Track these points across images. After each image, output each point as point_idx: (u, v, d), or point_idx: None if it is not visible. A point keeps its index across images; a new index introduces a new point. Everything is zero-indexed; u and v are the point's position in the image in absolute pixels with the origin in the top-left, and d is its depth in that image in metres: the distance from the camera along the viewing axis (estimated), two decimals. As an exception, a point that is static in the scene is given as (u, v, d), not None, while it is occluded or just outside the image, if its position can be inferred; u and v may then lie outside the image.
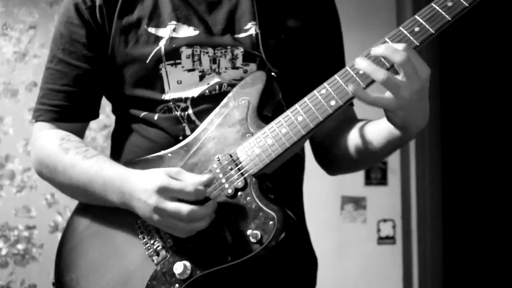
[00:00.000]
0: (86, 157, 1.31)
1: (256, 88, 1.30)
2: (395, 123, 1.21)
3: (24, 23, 3.64)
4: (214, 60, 1.35)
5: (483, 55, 4.58)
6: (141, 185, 1.22)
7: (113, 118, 1.51)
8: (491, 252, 4.61)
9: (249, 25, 1.38)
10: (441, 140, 3.86)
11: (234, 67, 1.35)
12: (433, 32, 1.17)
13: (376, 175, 3.55)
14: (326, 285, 3.50)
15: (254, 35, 1.36)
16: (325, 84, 1.22)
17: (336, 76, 1.21)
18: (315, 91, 1.22)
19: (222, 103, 1.32)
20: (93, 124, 3.45)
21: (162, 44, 1.34)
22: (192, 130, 1.32)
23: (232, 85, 1.34)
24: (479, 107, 4.68)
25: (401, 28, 1.19)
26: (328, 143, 1.42)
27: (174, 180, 1.20)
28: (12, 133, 3.56)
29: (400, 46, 1.14)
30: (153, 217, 1.21)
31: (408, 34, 1.18)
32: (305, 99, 1.23)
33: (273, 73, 1.33)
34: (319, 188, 3.54)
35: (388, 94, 1.16)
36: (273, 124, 1.24)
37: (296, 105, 1.23)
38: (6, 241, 3.49)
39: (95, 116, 1.46)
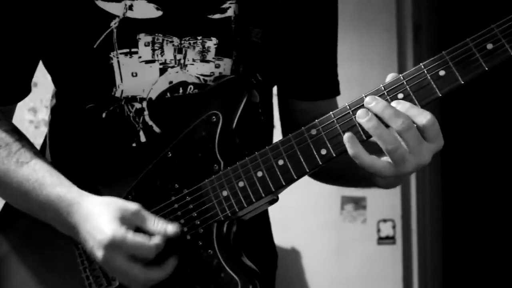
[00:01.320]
0: (20, 162, 1.06)
1: (230, 104, 1.05)
2: (378, 184, 1.02)
3: (24, 23, 3.62)
4: (179, 50, 1.09)
5: (483, 55, 4.57)
6: (89, 228, 0.99)
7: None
8: (491, 252, 4.61)
9: (227, 3, 1.11)
10: (441, 140, 3.85)
11: (203, 60, 1.10)
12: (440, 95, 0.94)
13: (376, 175, 3.55)
14: (326, 285, 3.51)
15: (232, 17, 1.10)
16: (316, 121, 1.00)
17: (331, 114, 0.99)
18: (303, 129, 1.00)
19: (186, 111, 1.08)
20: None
21: (114, 26, 1.07)
22: (148, 137, 1.09)
23: (199, 86, 1.10)
24: (479, 107, 4.68)
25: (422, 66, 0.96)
26: None
27: (130, 233, 0.97)
28: (12, 133, 3.54)
29: (414, 111, 0.93)
30: (102, 266, 1.02)
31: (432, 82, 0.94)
32: (291, 138, 1.00)
33: (253, 80, 1.10)
34: (319, 188, 3.53)
35: (386, 159, 0.97)
36: (247, 161, 1.02)
37: (279, 144, 1.01)
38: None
39: (27, 93, 1.17)
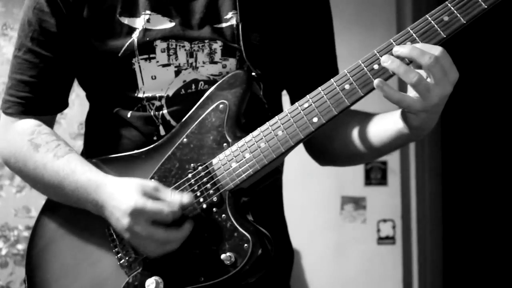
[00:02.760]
0: (57, 156, 1.26)
1: (235, 92, 1.23)
2: (412, 125, 1.15)
3: (24, 23, 3.64)
4: (191, 54, 1.28)
5: (484, 55, 4.58)
6: (115, 202, 1.17)
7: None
8: (491, 252, 4.61)
9: (230, 14, 1.29)
10: (441, 140, 3.86)
11: (212, 62, 1.28)
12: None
13: (376, 175, 3.55)
14: (326, 285, 3.51)
15: (234, 25, 1.28)
16: (308, 97, 1.16)
17: (320, 89, 1.15)
18: (297, 104, 1.16)
19: (198, 104, 1.25)
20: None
21: (135, 37, 1.26)
22: (167, 131, 1.27)
23: (209, 82, 1.27)
24: (479, 107, 4.68)
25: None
26: (324, 136, 1.36)
27: (150, 201, 1.15)
28: (12, 133, 3.56)
29: (427, 47, 1.08)
30: (125, 235, 1.18)
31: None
32: (287, 112, 1.17)
33: (253, 73, 1.26)
34: (319, 188, 3.54)
35: (414, 94, 1.10)
36: (251, 136, 1.19)
37: (277, 118, 1.18)
38: (6, 241, 3.49)
39: (64, 107, 1.39)
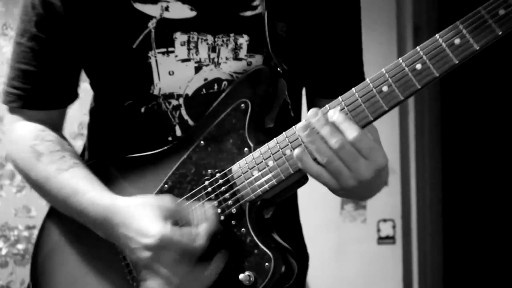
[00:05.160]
0: (61, 169, 1.13)
1: (258, 90, 1.10)
2: (338, 195, 1.06)
3: (24, 23, 3.63)
4: (213, 49, 1.14)
5: (484, 55, 4.57)
6: (133, 234, 1.02)
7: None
8: (491, 252, 4.61)
9: (257, 1, 1.15)
10: (441, 140, 3.86)
11: (236, 58, 1.15)
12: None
13: (376, 175, 3.54)
14: (326, 285, 3.51)
15: (263, 14, 1.14)
16: (340, 99, 1.02)
17: (354, 90, 1.01)
18: (328, 107, 1.02)
19: (218, 102, 1.13)
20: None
21: (151, 26, 1.12)
22: (183, 131, 1.15)
23: (232, 82, 1.15)
24: (479, 107, 4.68)
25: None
26: None
27: (177, 230, 1.00)
28: (12, 133, 3.55)
29: (345, 125, 0.96)
30: (140, 267, 1.05)
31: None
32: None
33: (279, 69, 1.12)
34: (319, 188, 3.54)
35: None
36: (275, 142, 1.05)
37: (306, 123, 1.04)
38: (6, 241, 3.49)
39: (74, 98, 1.25)
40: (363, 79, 1.21)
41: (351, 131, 0.96)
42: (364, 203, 3.53)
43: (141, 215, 1.02)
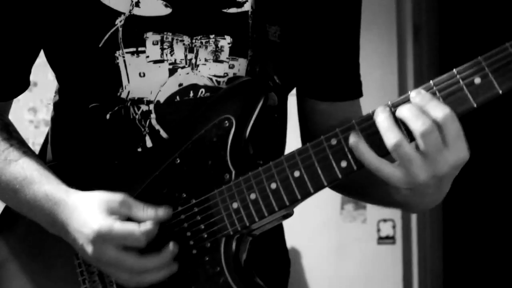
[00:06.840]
0: (8, 160, 1.01)
1: (246, 108, 0.96)
2: (397, 201, 0.93)
3: (24, 23, 3.62)
4: (190, 50, 1.01)
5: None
6: (76, 225, 0.94)
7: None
8: (492, 252, 4.61)
9: None
10: (441, 140, 3.85)
11: (216, 60, 1.02)
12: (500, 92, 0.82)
13: (376, 175, 3.55)
14: (326, 285, 3.51)
15: (250, 13, 1.01)
16: (337, 130, 0.89)
17: (354, 121, 0.88)
18: (322, 138, 0.90)
19: (197, 114, 0.99)
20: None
21: (119, 24, 0.99)
22: (154, 142, 1.02)
23: (212, 90, 1.01)
24: (479, 107, 4.67)
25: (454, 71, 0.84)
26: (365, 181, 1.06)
27: (117, 222, 0.91)
28: (12, 133, 3.54)
29: (432, 104, 0.82)
30: (92, 263, 0.96)
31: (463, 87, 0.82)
32: (309, 148, 0.91)
33: (270, 83, 1.00)
34: (319, 188, 3.54)
35: (397, 164, 0.86)
36: (260, 171, 0.93)
37: (295, 153, 0.91)
38: None
39: (24, 88, 1.12)
40: (359, 80, 1.16)
41: (441, 109, 0.83)
42: (364, 203, 3.53)
43: (86, 207, 0.94)
